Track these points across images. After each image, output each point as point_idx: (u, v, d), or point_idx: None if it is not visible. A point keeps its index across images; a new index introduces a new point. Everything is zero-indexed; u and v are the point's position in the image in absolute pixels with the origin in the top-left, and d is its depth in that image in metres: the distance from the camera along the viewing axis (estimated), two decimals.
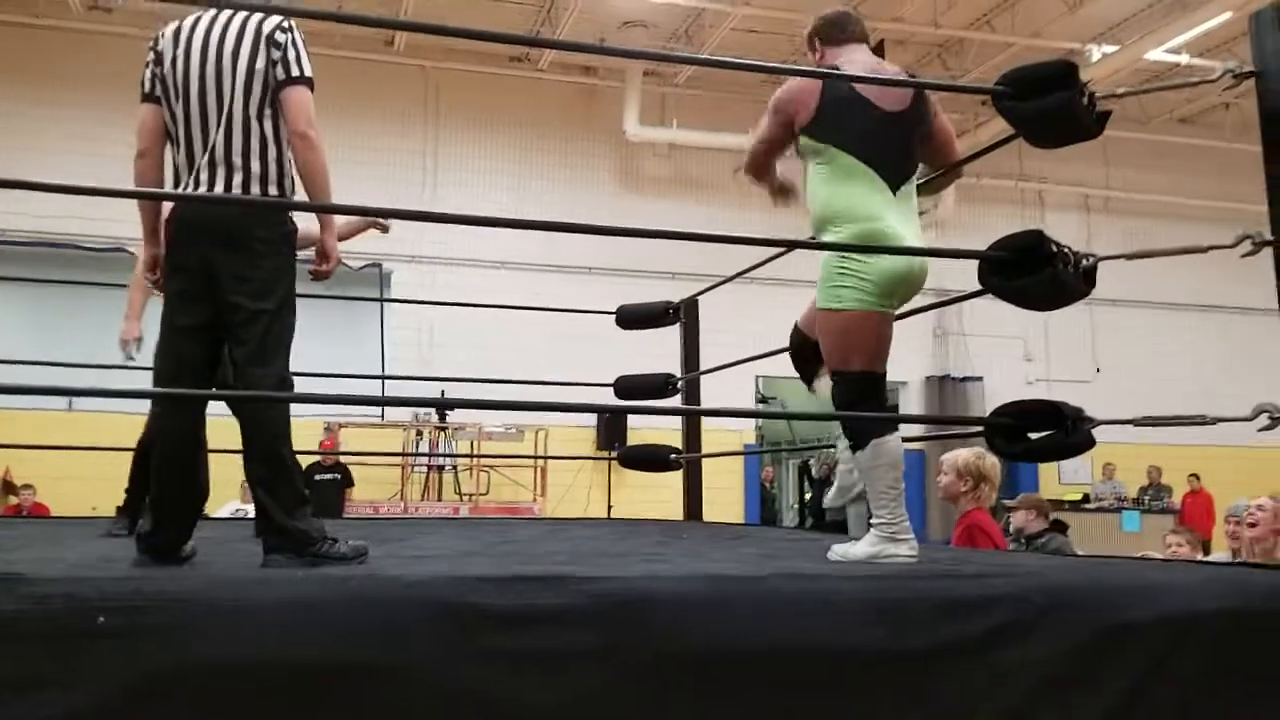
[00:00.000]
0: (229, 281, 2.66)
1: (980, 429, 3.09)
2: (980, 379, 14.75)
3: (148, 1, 11.97)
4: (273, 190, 2.77)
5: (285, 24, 2.84)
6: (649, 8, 12.32)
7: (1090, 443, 2.65)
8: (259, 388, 2.67)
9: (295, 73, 2.81)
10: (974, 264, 2.85)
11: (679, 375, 5.53)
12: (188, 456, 2.72)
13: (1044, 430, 2.67)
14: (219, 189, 2.71)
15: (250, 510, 10.31)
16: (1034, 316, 14.57)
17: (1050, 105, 2.80)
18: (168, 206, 2.85)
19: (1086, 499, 13.86)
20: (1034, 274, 2.69)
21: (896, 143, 3.00)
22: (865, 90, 2.98)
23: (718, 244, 3.00)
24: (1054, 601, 2.20)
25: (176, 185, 2.78)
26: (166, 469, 2.69)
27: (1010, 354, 14.98)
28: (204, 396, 2.78)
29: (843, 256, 2.90)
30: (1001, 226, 15.29)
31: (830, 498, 3.97)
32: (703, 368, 5.73)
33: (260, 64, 2.77)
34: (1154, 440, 10.77)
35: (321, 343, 12.13)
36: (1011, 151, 3.51)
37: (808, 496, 17.91)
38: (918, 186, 3.18)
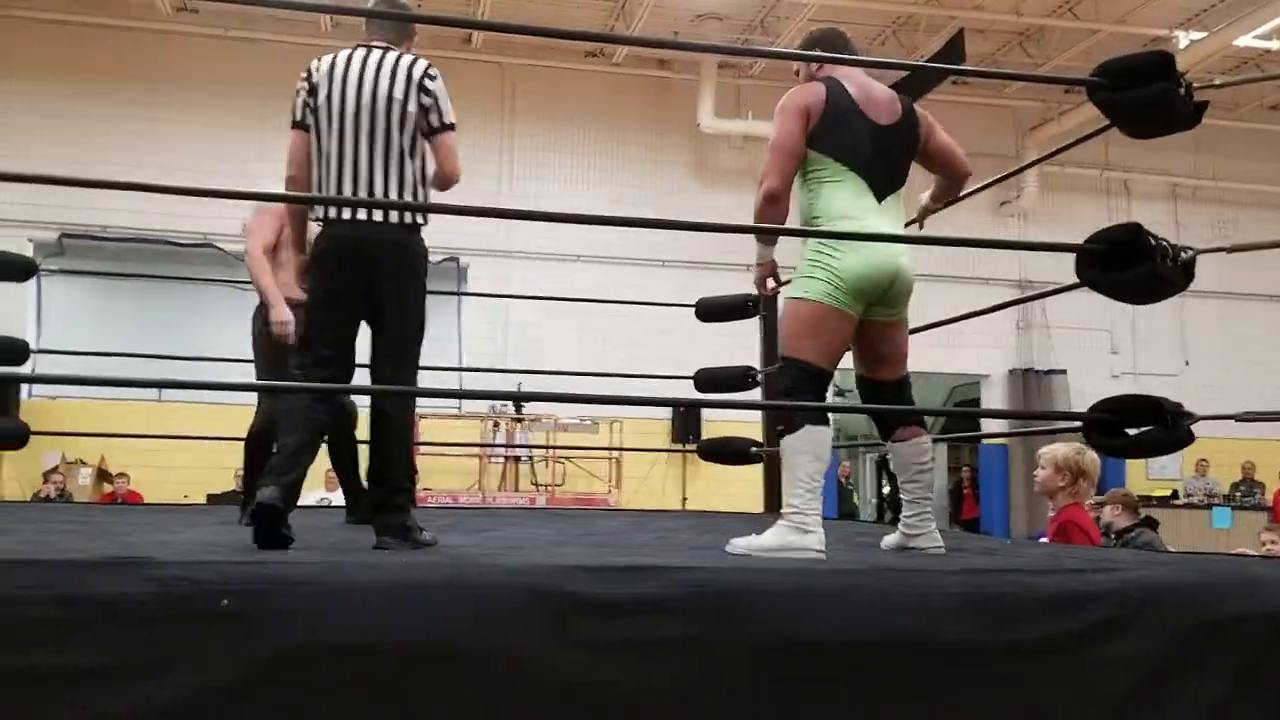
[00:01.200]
0: (387, 298, 3.03)
1: (1072, 425, 3.05)
2: (1064, 372, 14.46)
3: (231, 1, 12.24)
4: (419, 220, 3.11)
5: (433, 71, 3.11)
6: (723, 0, 12.29)
7: (1189, 439, 2.61)
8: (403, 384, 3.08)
9: (448, 120, 3.14)
10: (1057, 255, 2.82)
11: (758, 368, 5.52)
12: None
13: (1142, 426, 2.64)
14: (377, 216, 3.01)
15: (334, 499, 10.51)
16: (1120, 308, 14.25)
17: (1147, 96, 2.75)
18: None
19: (1175, 495, 13.55)
20: (1132, 268, 2.65)
21: (884, 155, 3.06)
22: (860, 103, 3.05)
23: (793, 236, 3.01)
24: (1153, 597, 2.17)
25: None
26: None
27: (1096, 347, 14.67)
28: (300, 390, 3.02)
29: (818, 251, 2.94)
30: (1087, 216, 15.08)
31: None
32: None
33: (413, 107, 3.04)
34: (1246, 435, 10.54)
35: None
36: (1096, 140, 3.44)
37: (885, 490, 17.79)
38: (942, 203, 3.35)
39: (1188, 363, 14.84)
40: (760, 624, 1.91)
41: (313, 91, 3.08)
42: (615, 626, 1.86)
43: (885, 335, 3.06)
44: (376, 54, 3.09)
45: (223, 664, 1.71)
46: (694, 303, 5.65)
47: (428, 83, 3.07)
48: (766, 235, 3.08)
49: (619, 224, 3.00)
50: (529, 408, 12.39)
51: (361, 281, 3.05)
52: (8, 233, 11.30)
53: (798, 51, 3.30)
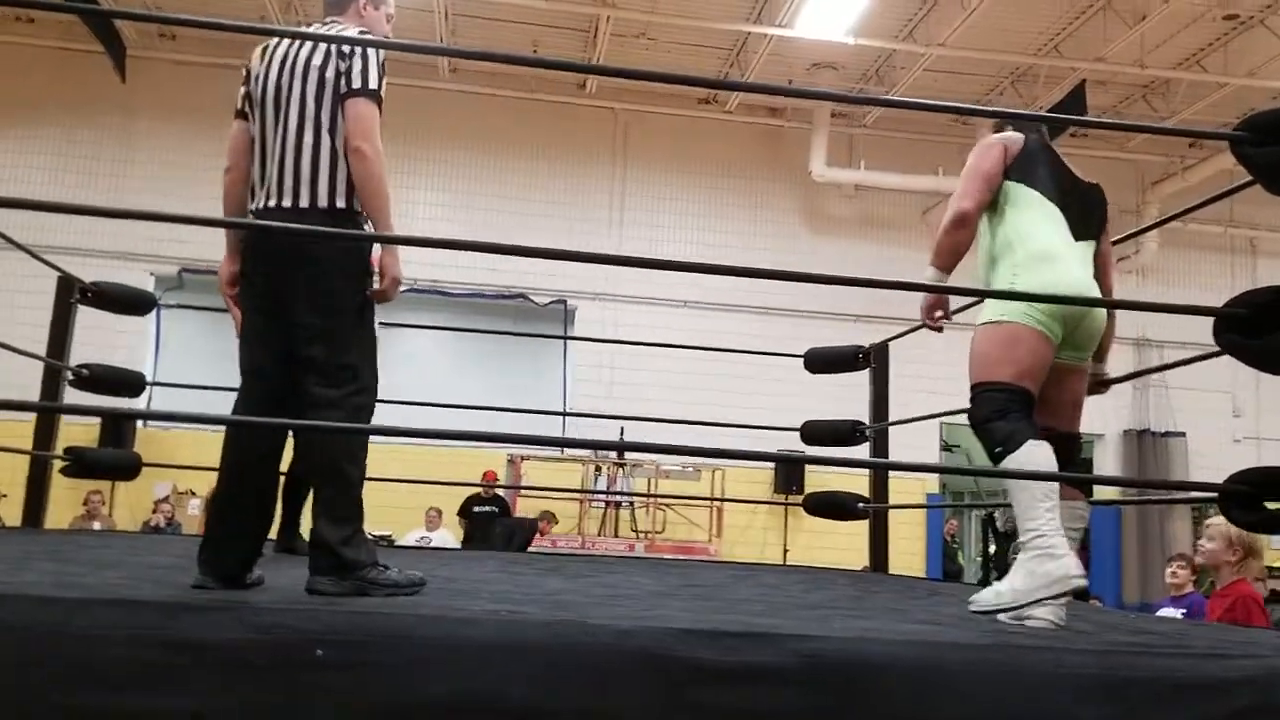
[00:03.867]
0: (297, 299, 2.63)
1: (1206, 495, 2.88)
2: (1183, 434, 13.92)
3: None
4: (339, 203, 2.71)
5: (357, 32, 2.81)
6: (839, 50, 12.24)
7: None
8: (326, 405, 2.61)
9: (358, 84, 2.72)
10: (1179, 315, 2.68)
11: (867, 423, 5.40)
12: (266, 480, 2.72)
13: None
14: (286, 202, 2.67)
15: (434, 539, 10.58)
16: (1244, 371, 13.53)
17: None
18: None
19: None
20: (1276, 333, 2.50)
21: (1078, 200, 3.01)
22: (1056, 154, 3.07)
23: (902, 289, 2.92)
24: None
25: (252, 199, 2.78)
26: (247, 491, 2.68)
27: (1217, 409, 14.09)
28: (335, 430, 2.64)
29: (1014, 275, 2.84)
30: (1209, 273, 14.57)
31: None
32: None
33: (330, 73, 2.72)
34: None
35: (506, 376, 12.53)
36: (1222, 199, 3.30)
37: (992, 550, 17.27)
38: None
39: None
40: (881, 700, 1.82)
41: (246, 78, 2.81)
42: (727, 695, 1.79)
43: (1065, 381, 2.92)
44: (314, 29, 2.82)
45: (317, 716, 1.68)
46: (803, 353, 5.57)
47: (347, 46, 2.72)
48: (937, 273, 2.97)
49: (718, 272, 2.92)
50: (631, 454, 12.37)
51: (269, 281, 2.69)
52: (131, 266, 11.76)
53: (913, 100, 3.26)
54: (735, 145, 14.09)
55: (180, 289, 12.35)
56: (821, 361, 5.51)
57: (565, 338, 12.62)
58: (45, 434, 4.95)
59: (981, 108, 4.44)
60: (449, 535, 11.25)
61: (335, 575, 2.44)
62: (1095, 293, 2.93)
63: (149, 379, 5.90)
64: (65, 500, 9.16)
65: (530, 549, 10.24)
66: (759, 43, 12.24)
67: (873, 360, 5.45)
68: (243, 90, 2.84)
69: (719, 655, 1.80)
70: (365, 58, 2.74)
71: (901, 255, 12.87)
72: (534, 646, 1.80)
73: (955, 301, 3.13)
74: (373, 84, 2.75)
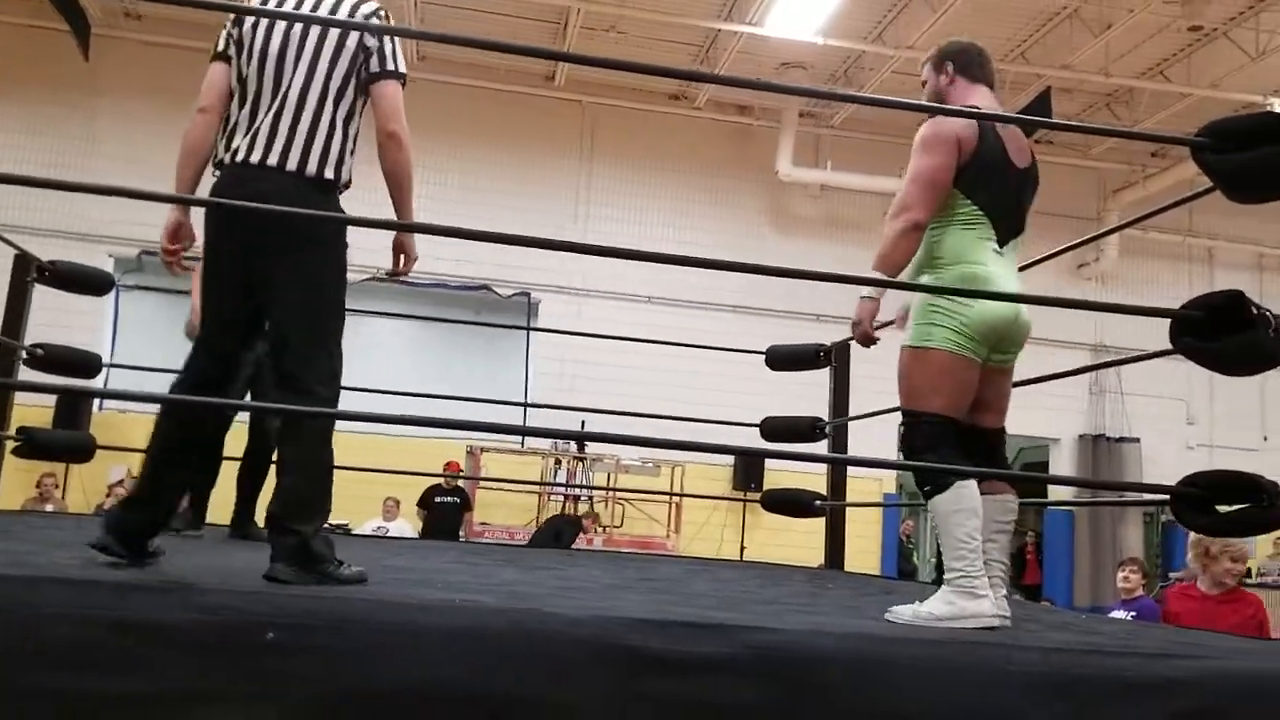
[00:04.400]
0: (275, 270, 2.51)
1: (1157, 497, 2.91)
2: (1137, 440, 14.10)
3: None
4: (329, 174, 2.62)
5: (382, 11, 2.72)
6: (808, 49, 12.28)
7: None
8: (302, 391, 2.50)
9: (390, 66, 2.66)
10: (1136, 321, 2.71)
11: (826, 419, 5.42)
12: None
13: (1235, 503, 2.50)
14: (274, 160, 2.54)
15: (392, 528, 10.52)
16: (1198, 378, 13.88)
17: (1255, 159, 2.65)
18: None
19: (1249, 574, 13.08)
20: (1231, 336, 2.53)
21: (1015, 200, 2.95)
22: (1005, 142, 2.93)
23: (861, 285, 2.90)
24: (1248, 687, 2.04)
25: (226, 148, 2.62)
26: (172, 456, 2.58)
27: (1171, 416, 14.29)
28: (307, 413, 2.55)
29: (938, 296, 2.80)
30: (1167, 281, 14.74)
31: None
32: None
33: (350, 44, 2.61)
34: None
35: (467, 368, 12.48)
36: (1181, 205, 3.32)
37: None
38: None
39: (1266, 438, 14.39)
40: (832, 693, 1.82)
41: (237, 22, 2.66)
42: (680, 685, 1.78)
43: (993, 380, 2.90)
44: None
45: (265, 700, 1.66)
46: (765, 350, 5.57)
47: (374, 20, 2.64)
48: (873, 280, 2.88)
49: (694, 264, 2.94)
50: (591, 447, 12.35)
51: (241, 248, 2.53)
52: (90, 248, 11.59)
53: (884, 98, 3.22)
54: (703, 143, 14.09)
55: (139, 271, 12.19)
56: (782, 359, 5.52)
57: (528, 329, 12.57)
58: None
59: (952, 107, 4.46)
60: (406, 525, 11.18)
61: (298, 566, 2.36)
62: (1023, 307, 2.86)
63: (106, 360, 5.80)
64: (18, 482, 9.05)
65: (486, 539, 10.23)
66: (729, 40, 12.26)
67: (834, 359, 5.47)
68: (231, 32, 2.69)
69: (671, 645, 1.80)
70: (394, 40, 2.68)
71: (864, 256, 12.67)
72: (487, 634, 1.78)
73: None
74: (402, 67, 2.70)
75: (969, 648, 2.07)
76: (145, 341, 11.32)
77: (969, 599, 2.56)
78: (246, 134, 2.59)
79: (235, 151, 2.59)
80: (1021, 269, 4.10)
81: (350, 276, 2.77)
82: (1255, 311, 2.52)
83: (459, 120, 13.29)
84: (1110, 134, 12.85)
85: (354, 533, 9.14)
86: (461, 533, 11.24)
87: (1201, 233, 14.49)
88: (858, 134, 14.07)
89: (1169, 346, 2.70)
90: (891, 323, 3.16)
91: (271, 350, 2.57)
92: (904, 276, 2.93)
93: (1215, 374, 2.76)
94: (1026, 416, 13.62)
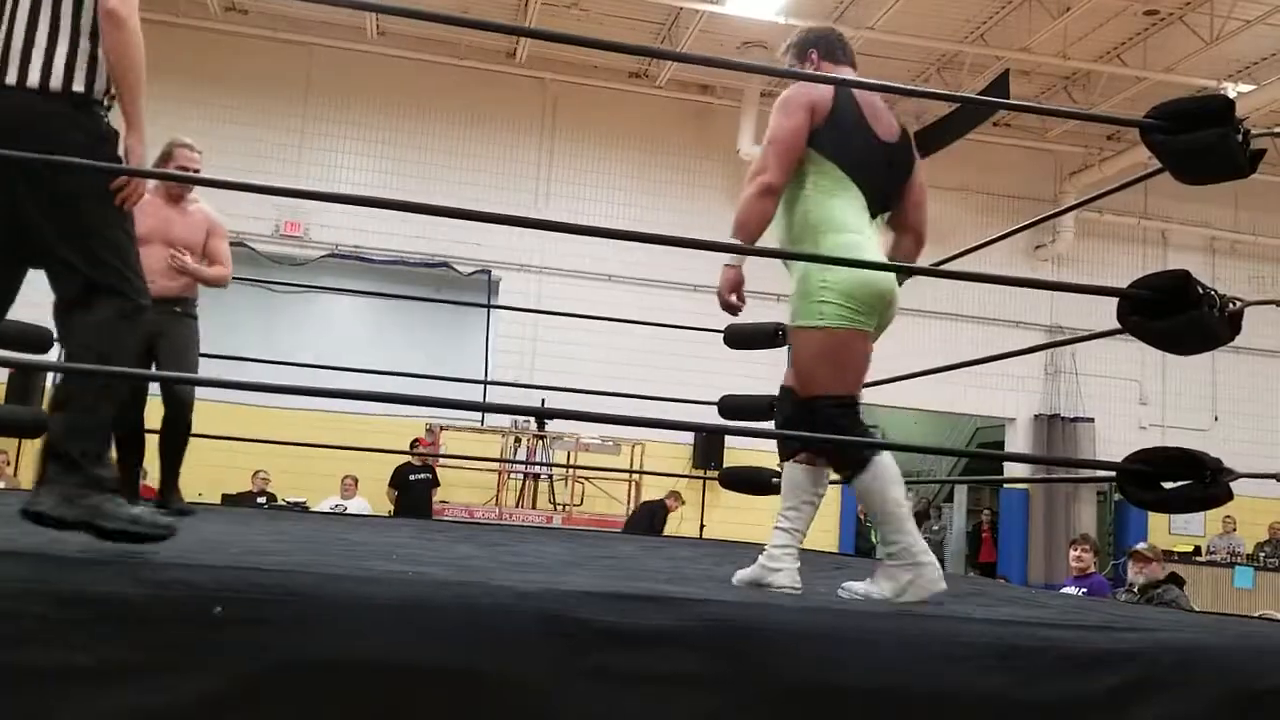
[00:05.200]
0: (30, 203, 2.23)
1: (1105, 474, 2.96)
2: (1091, 420, 14.29)
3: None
4: (78, 89, 2.30)
5: None
6: (770, 28, 12.26)
7: (1228, 495, 2.52)
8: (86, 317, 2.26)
9: None
10: (1090, 302, 2.73)
11: None
12: None
13: (1179, 480, 2.55)
14: (11, 79, 2.24)
15: (350, 506, 10.47)
16: (1151, 360, 14.10)
17: (1203, 141, 2.69)
18: None
19: (1198, 551, 13.34)
20: (1177, 315, 2.57)
21: (882, 171, 2.89)
22: (865, 111, 2.88)
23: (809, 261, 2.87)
24: (1186, 660, 2.09)
25: None
26: None
27: (1124, 396, 14.50)
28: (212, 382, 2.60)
29: (824, 269, 2.72)
30: (1122, 264, 14.93)
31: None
32: None
33: None
34: (1276, 495, 10.36)
35: (427, 344, 12.41)
36: (1136, 188, 3.35)
37: None
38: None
39: (1217, 418, 14.64)
40: (781, 665, 1.83)
41: None
42: (627, 657, 1.79)
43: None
44: None
45: (212, 674, 1.65)
46: (723, 329, 5.59)
47: None
48: (766, 252, 2.84)
49: (653, 240, 2.93)
50: (552, 426, 12.35)
51: None
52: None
53: (843, 78, 3.17)
54: (664, 121, 14.06)
55: None
56: (740, 337, 5.52)
57: (489, 306, 12.51)
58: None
59: (910, 87, 4.49)
60: (365, 503, 11.14)
61: (64, 496, 2.09)
62: (893, 276, 2.81)
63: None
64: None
65: (445, 517, 10.23)
66: (690, 19, 12.21)
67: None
68: None
69: (621, 618, 1.81)
70: None
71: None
72: (435, 606, 1.78)
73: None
74: None
75: (918, 620, 2.10)
76: None
77: (913, 569, 2.59)
78: None
79: None
80: (977, 248, 4.16)
81: (308, 253, 2.72)
82: (1201, 291, 2.56)
83: (418, 96, 13.18)
84: (1064, 115, 12.93)
85: (312, 510, 9.11)
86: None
87: (1156, 215, 14.68)
88: None
89: (1119, 326, 2.74)
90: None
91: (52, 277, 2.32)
92: (778, 239, 2.89)
93: (1168, 355, 2.81)
94: (983, 396, 13.81)
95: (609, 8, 12.34)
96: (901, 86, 3.07)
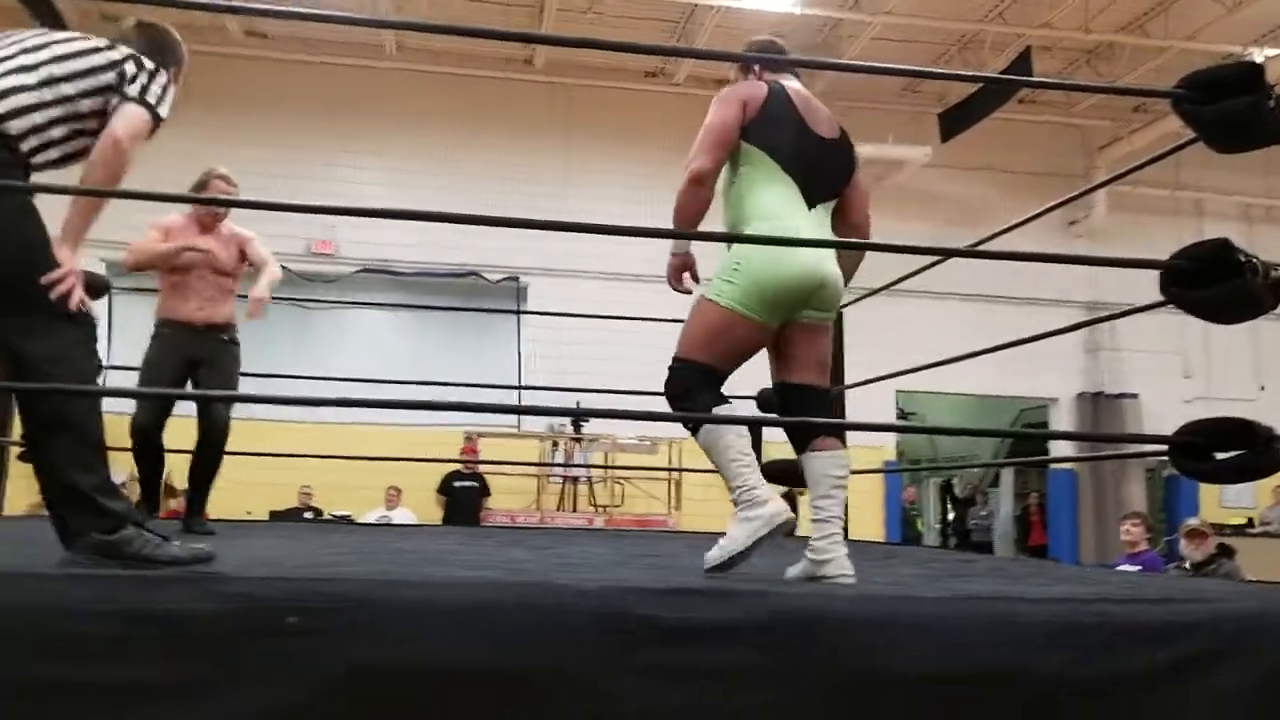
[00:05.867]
0: None
1: (1155, 448, 2.93)
2: (1135, 396, 14.13)
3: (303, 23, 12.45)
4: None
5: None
6: (786, 20, 12.24)
7: None
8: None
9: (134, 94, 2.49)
10: (1129, 276, 2.71)
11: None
12: None
13: (1231, 450, 2.52)
14: None
15: (394, 517, 10.54)
16: (1193, 331, 13.91)
17: (1234, 109, 2.67)
18: None
19: (1250, 523, 13.15)
20: (1219, 285, 2.55)
21: (818, 163, 2.95)
22: (800, 109, 2.96)
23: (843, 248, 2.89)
24: (1249, 629, 2.06)
25: None
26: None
27: (1168, 370, 14.32)
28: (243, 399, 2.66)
29: (739, 254, 2.83)
30: (1157, 236, 14.72)
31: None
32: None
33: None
34: None
35: (459, 355, 12.47)
36: (1168, 159, 3.30)
37: (950, 516, 17.49)
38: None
39: (1263, 387, 14.43)
40: (836, 654, 1.84)
41: None
42: (686, 652, 1.80)
43: (805, 338, 2.90)
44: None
45: (287, 683, 1.68)
46: None
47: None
48: (720, 241, 2.93)
49: (656, 235, 2.94)
50: (587, 427, 12.36)
51: None
52: (83, 251, 11.55)
53: (860, 64, 3.20)
54: (684, 120, 13.88)
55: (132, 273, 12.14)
56: None
57: (518, 312, 12.56)
58: (1, 420, 4.93)
59: (912, 68, 4.45)
60: (409, 514, 11.23)
61: (99, 549, 2.13)
62: (831, 265, 2.87)
63: (104, 363, 5.79)
64: (21, 488, 9.03)
65: (489, 524, 10.29)
66: (705, 15, 12.20)
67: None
68: None
69: (678, 613, 1.82)
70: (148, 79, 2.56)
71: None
72: (500, 609, 1.81)
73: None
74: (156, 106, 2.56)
75: (975, 603, 2.09)
76: (141, 344, 11.28)
77: (756, 507, 2.68)
78: None
79: None
80: (1012, 228, 4.12)
81: (340, 269, 2.75)
82: (1242, 260, 2.54)
83: (438, 108, 13.25)
84: (1089, 89, 12.82)
85: (358, 522, 9.18)
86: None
87: (1190, 186, 14.49)
88: (841, 102, 13.97)
89: (1161, 299, 2.71)
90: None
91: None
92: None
93: (1210, 326, 2.79)
94: (1024, 378, 13.65)
95: (622, 9, 12.36)
96: (927, 70, 3.06)
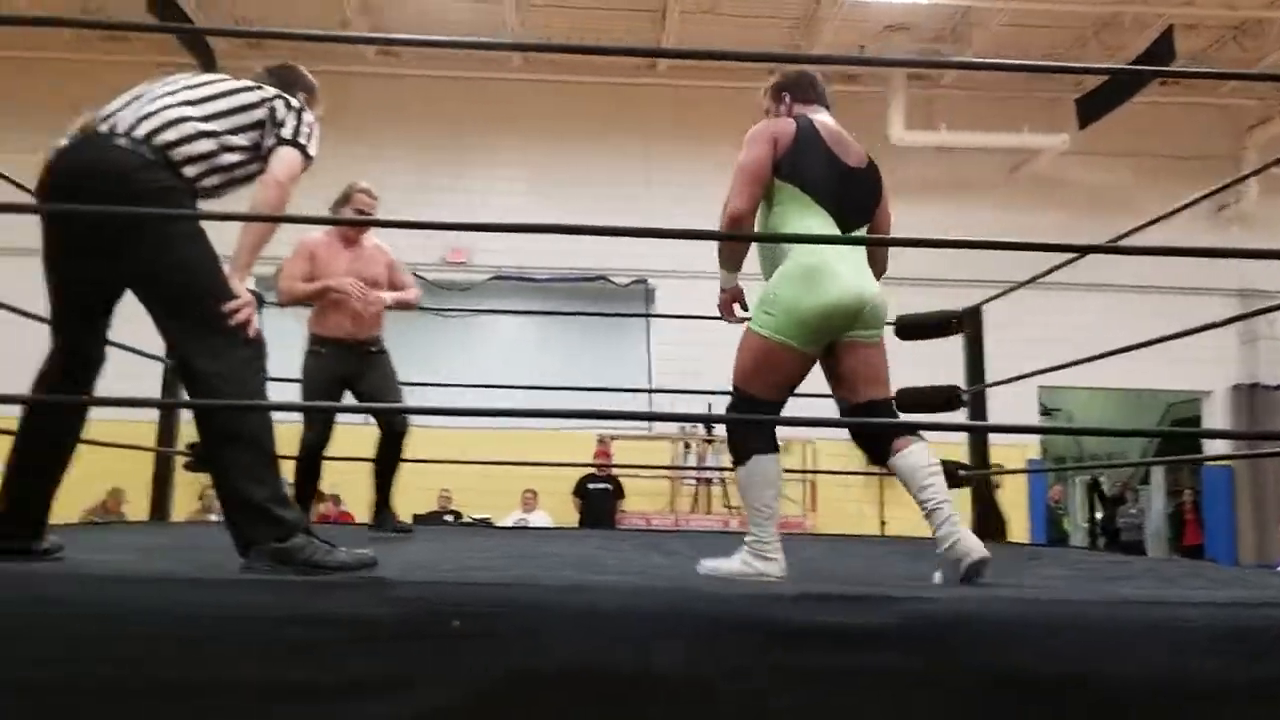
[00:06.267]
0: (120, 250, 2.45)
1: None
2: None
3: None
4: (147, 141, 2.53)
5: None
6: (913, 10, 12.04)
7: None
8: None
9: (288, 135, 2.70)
10: None
11: (964, 388, 5.31)
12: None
13: None
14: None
15: (531, 520, 10.74)
16: None
17: None
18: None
19: None
20: None
21: (849, 192, 3.03)
22: (829, 142, 3.03)
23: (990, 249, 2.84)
24: None
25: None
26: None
27: None
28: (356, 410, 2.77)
29: (780, 284, 2.90)
30: None
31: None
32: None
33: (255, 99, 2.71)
34: None
35: (590, 359, 12.62)
36: None
37: (1098, 515, 16.87)
38: None
39: None
40: (987, 658, 1.81)
41: None
42: (831, 656, 1.80)
43: (858, 355, 2.96)
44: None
45: (446, 687, 1.75)
46: (894, 319, 5.49)
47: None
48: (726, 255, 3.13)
49: (782, 240, 2.92)
50: (719, 429, 12.36)
51: (68, 229, 2.49)
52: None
53: (986, 60, 3.12)
54: None
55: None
56: (913, 328, 5.41)
57: (647, 315, 12.64)
58: (167, 431, 5.29)
59: (1037, 63, 4.31)
60: (546, 517, 11.42)
61: (274, 556, 2.23)
62: (871, 285, 2.94)
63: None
64: (182, 495, 9.52)
65: (620, 526, 10.39)
66: (830, 10, 12.08)
67: (966, 324, 5.36)
68: None
69: (820, 617, 1.82)
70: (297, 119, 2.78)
71: (989, 217, 12.58)
72: (655, 614, 1.85)
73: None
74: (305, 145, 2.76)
75: (1130, 606, 2.02)
76: (293, 356, 11.71)
77: (760, 560, 2.71)
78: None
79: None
80: (1161, 219, 3.97)
81: (473, 277, 2.85)
82: None
83: (563, 116, 13.43)
84: (1236, 77, 12.22)
85: (497, 525, 9.37)
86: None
87: None
88: (972, 91, 13.66)
89: None
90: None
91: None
92: (759, 261, 3.10)
93: None
94: (1173, 370, 13.00)
95: (744, 7, 12.32)
96: (1024, 64, 2.97)
